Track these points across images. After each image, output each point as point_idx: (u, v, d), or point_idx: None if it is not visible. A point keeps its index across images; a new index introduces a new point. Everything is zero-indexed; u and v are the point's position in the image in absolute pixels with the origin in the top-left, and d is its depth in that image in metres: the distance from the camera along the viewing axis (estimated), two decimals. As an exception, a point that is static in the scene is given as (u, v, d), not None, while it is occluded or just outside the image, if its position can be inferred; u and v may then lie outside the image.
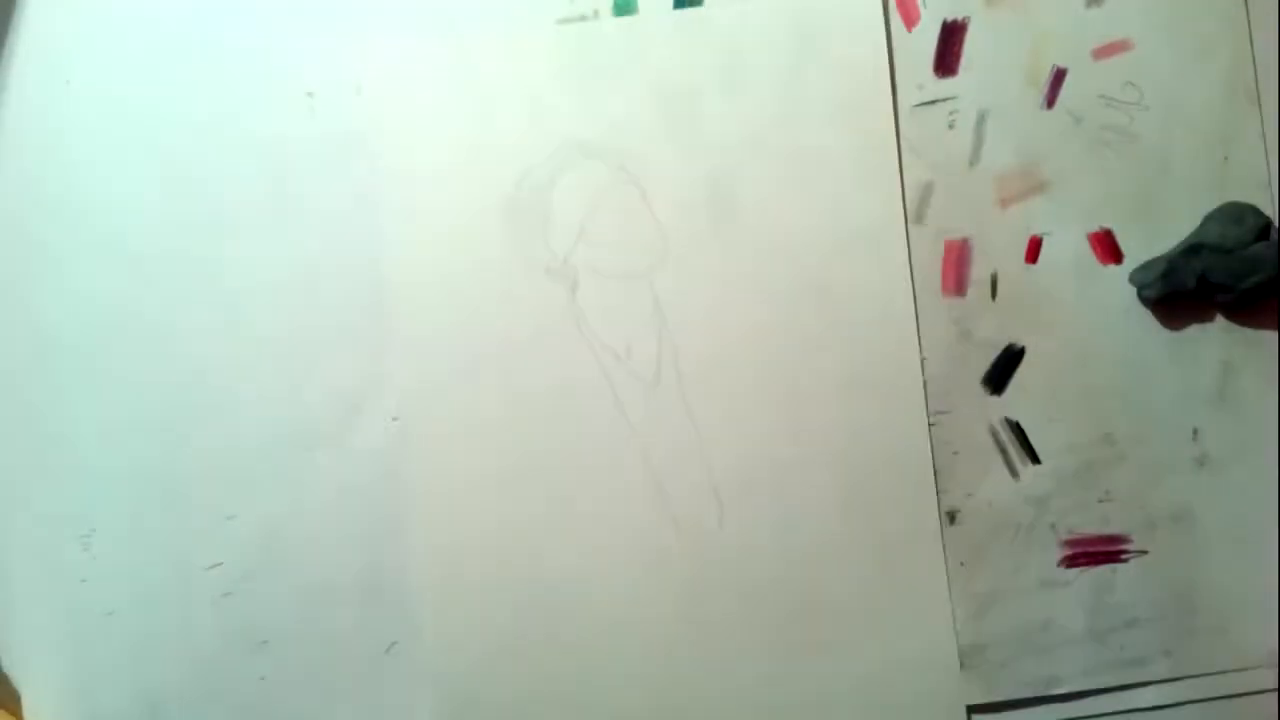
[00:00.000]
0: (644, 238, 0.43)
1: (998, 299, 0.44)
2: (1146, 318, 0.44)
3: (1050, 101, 0.44)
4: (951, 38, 0.44)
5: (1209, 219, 0.44)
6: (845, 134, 0.43)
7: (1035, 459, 0.44)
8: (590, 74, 0.43)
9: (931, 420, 0.43)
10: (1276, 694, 0.43)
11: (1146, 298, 0.43)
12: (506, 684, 0.41)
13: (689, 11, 0.43)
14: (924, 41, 0.44)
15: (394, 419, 0.42)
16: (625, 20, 0.43)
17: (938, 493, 0.43)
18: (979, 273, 0.44)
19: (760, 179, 0.43)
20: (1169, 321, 0.44)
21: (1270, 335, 0.45)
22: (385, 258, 0.42)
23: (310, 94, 0.42)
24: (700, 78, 0.43)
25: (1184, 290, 0.43)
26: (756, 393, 0.42)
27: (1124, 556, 0.44)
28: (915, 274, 0.44)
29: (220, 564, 0.41)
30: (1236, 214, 0.43)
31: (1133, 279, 0.43)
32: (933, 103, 0.44)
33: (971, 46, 0.44)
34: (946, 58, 0.44)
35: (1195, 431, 0.44)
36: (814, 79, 0.43)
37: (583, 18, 0.43)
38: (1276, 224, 0.45)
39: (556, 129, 0.43)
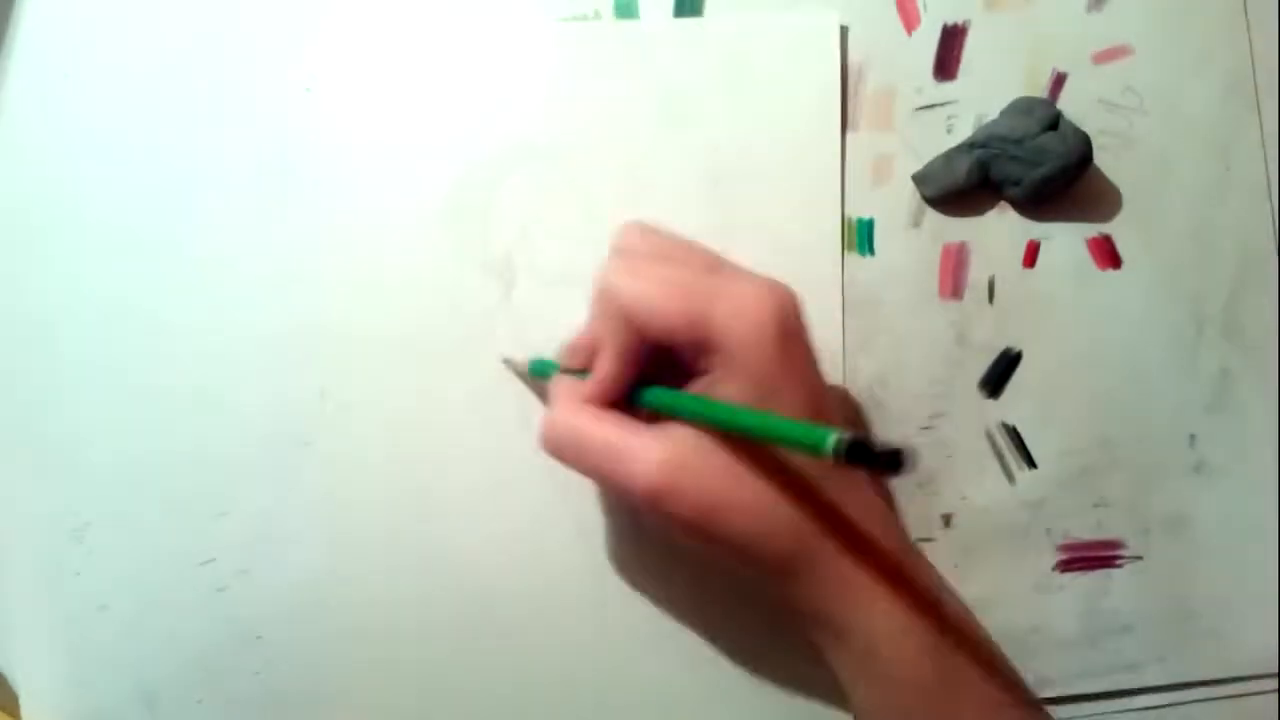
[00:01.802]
0: (586, 243, 0.42)
1: (995, 303, 0.44)
2: (1146, 324, 0.44)
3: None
4: (951, 41, 0.44)
5: (1001, 114, 0.44)
6: (791, 165, 0.43)
7: (1031, 463, 0.44)
8: (552, 76, 0.43)
9: (927, 424, 0.43)
10: (1277, 699, 0.43)
11: (925, 196, 0.43)
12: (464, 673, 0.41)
13: (657, 24, 0.43)
14: (924, 45, 0.44)
15: (329, 413, 0.42)
16: (620, 24, 0.43)
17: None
18: (976, 277, 0.44)
19: (708, 194, 0.43)
20: (958, 213, 0.44)
21: (1269, 342, 0.45)
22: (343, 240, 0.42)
23: (308, 89, 0.42)
24: (655, 89, 0.43)
25: (960, 187, 0.43)
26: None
27: (1119, 562, 0.44)
28: (911, 278, 0.44)
29: (213, 560, 0.41)
30: (1025, 106, 0.43)
31: (914, 178, 0.43)
32: (931, 106, 0.44)
33: (971, 50, 0.44)
34: (946, 61, 0.44)
35: (1192, 438, 0.44)
36: (763, 104, 0.43)
37: (582, 17, 0.43)
38: (1276, 224, 0.45)
39: (507, 128, 0.43)
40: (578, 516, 0.42)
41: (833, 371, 0.43)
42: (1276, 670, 0.44)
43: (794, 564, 0.34)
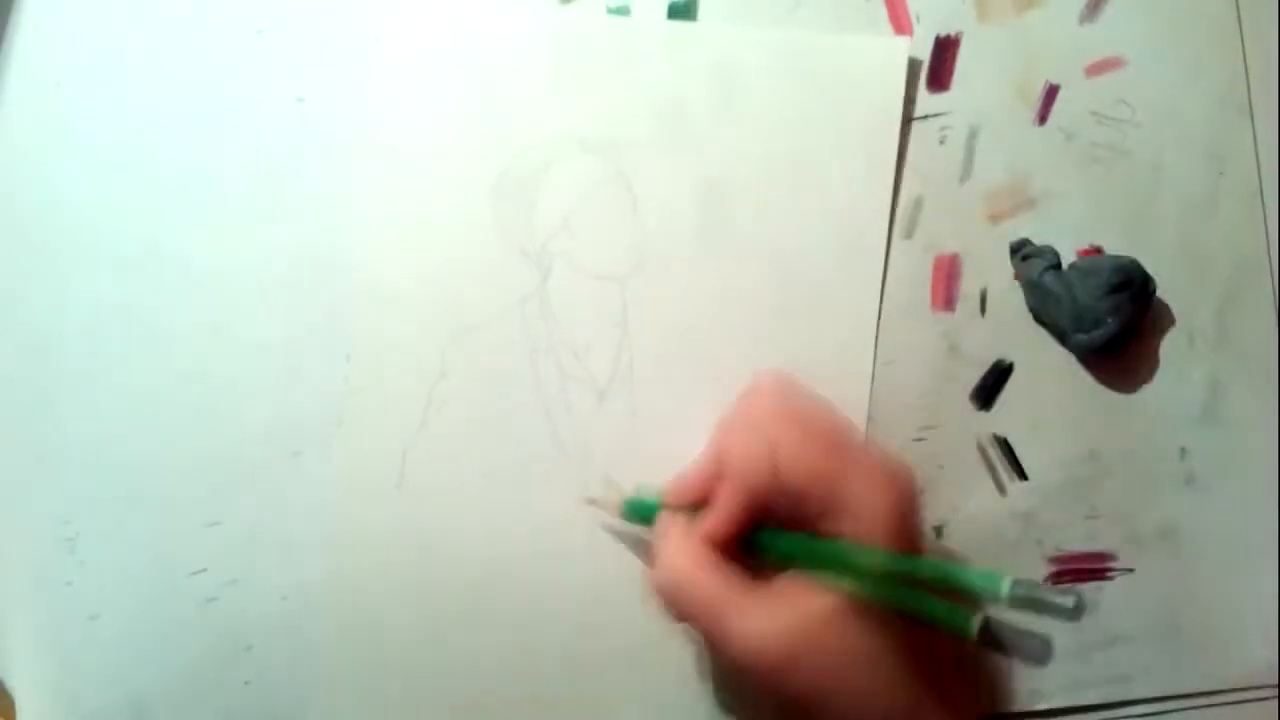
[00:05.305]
0: (626, 241, 0.42)
1: (987, 314, 0.44)
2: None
3: (1042, 118, 0.44)
4: (944, 53, 0.44)
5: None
6: (844, 157, 0.43)
7: (1023, 475, 0.44)
8: (593, 72, 0.43)
9: (918, 435, 0.43)
10: (1277, 710, 0.43)
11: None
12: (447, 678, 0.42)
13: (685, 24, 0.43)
14: (917, 56, 0.44)
15: (346, 379, 0.42)
16: (621, 21, 0.43)
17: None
18: (968, 288, 0.44)
19: (750, 196, 0.43)
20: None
21: (1260, 353, 0.45)
22: (367, 235, 0.42)
23: (301, 99, 0.42)
24: (696, 89, 0.43)
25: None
26: (707, 413, 0.41)
27: (1110, 574, 0.44)
28: (904, 289, 0.44)
29: (204, 570, 0.41)
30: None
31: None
32: (924, 118, 0.44)
33: (964, 62, 0.44)
34: (939, 73, 0.44)
35: (1182, 450, 0.44)
36: (821, 103, 0.44)
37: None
38: (1277, 244, 0.45)
39: (557, 119, 0.43)
40: (586, 521, 0.42)
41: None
42: (1276, 682, 0.44)
43: None
